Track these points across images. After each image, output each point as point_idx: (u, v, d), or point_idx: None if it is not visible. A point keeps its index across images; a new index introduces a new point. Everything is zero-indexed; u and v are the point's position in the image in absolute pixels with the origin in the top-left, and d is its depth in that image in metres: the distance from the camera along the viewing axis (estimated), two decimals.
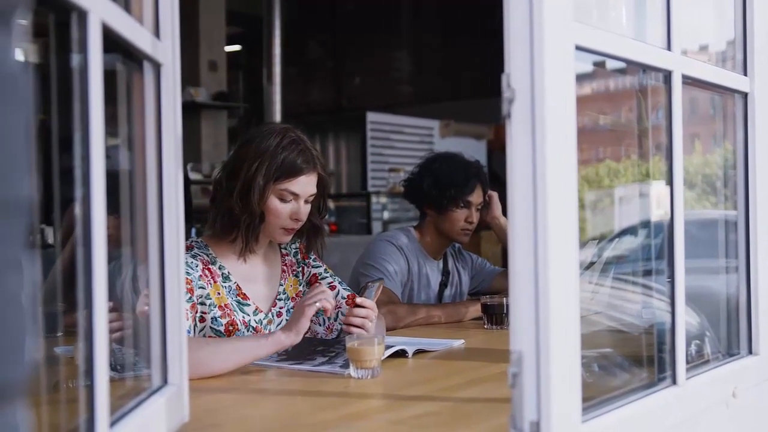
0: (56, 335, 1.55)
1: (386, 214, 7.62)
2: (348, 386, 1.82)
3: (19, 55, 0.55)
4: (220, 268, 2.24)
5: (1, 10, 0.52)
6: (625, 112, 2.05)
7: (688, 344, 1.62)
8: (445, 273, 3.16)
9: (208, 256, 2.23)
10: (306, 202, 2.25)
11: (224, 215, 2.22)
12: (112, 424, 1.10)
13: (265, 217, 2.22)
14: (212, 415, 1.59)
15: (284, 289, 2.37)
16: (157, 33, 1.36)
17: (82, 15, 1.00)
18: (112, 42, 1.12)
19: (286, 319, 2.31)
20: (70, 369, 1.42)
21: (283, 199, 2.21)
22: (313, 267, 2.45)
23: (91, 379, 1.02)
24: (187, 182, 4.44)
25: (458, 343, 2.36)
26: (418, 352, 2.19)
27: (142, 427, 1.21)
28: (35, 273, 0.58)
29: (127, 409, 1.21)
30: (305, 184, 2.23)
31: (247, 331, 2.22)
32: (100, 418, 1.02)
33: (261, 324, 2.27)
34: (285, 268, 2.40)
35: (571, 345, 1.22)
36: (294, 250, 2.44)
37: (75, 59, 1.02)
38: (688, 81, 1.59)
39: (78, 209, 1.03)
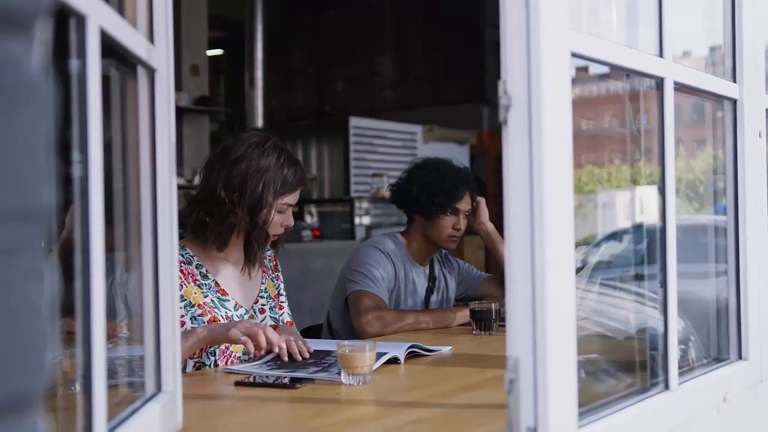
0: None
1: (370, 220, 7.61)
2: (339, 393, 1.81)
3: (39, 63, 0.55)
4: (197, 267, 2.28)
5: (22, 18, 0.52)
6: (607, 117, 2.06)
7: None
8: (432, 279, 3.16)
9: (183, 256, 2.25)
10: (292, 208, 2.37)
11: (229, 230, 2.27)
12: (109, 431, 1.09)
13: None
14: (205, 423, 1.58)
15: (265, 288, 2.45)
16: (151, 38, 1.35)
17: (81, 20, 0.99)
18: (108, 47, 1.11)
19: (270, 316, 2.42)
20: (59, 376, 1.41)
21: (280, 212, 2.31)
22: (280, 281, 2.53)
23: (89, 387, 1.01)
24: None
25: (447, 349, 2.36)
26: (411, 355, 2.20)
27: None
28: (53, 281, 0.57)
29: (122, 416, 1.20)
30: (297, 195, 2.36)
31: None
32: (97, 427, 1.01)
33: (243, 319, 2.32)
34: (265, 268, 2.48)
35: (567, 350, 1.22)
36: (268, 257, 2.52)
37: (73, 64, 1.01)
38: (679, 87, 1.60)
39: (76, 215, 1.02)
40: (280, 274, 2.53)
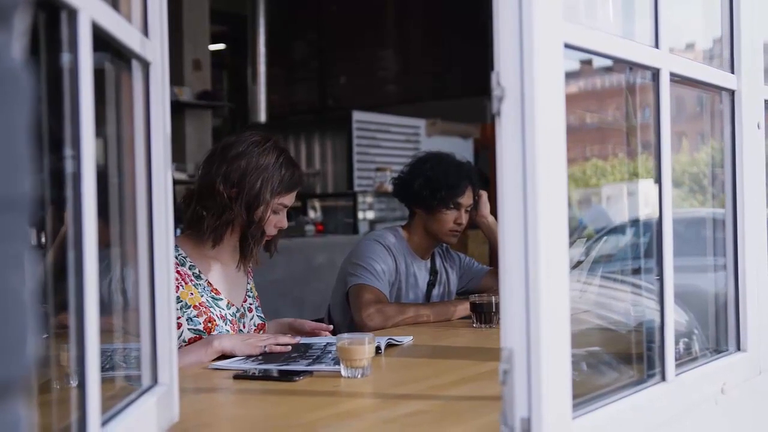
0: (43, 336, 1.55)
1: (373, 214, 7.61)
2: (338, 385, 1.82)
3: (19, 54, 0.55)
4: (190, 268, 2.31)
5: (1, 9, 0.52)
6: (611, 110, 2.05)
7: (676, 342, 1.62)
8: (433, 272, 3.17)
9: (176, 257, 2.26)
10: (288, 210, 2.39)
11: (225, 225, 2.29)
12: (103, 423, 1.09)
13: None
14: (202, 415, 1.58)
15: (251, 288, 2.49)
16: (145, 31, 1.35)
17: (72, 13, 0.99)
18: (101, 40, 1.11)
19: (258, 315, 2.46)
20: (56, 370, 1.41)
21: (275, 212, 2.33)
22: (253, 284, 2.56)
23: (83, 380, 1.01)
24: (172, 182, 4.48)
25: (407, 339, 2.39)
26: (389, 345, 2.25)
27: (132, 426, 1.21)
28: (36, 270, 0.58)
29: (117, 408, 1.21)
30: (294, 197, 2.38)
31: (225, 324, 2.29)
32: (91, 418, 1.02)
33: (235, 317, 2.36)
34: (249, 270, 2.50)
35: (561, 341, 1.22)
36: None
37: (64, 58, 1.01)
38: (676, 79, 1.60)
39: (68, 210, 1.02)
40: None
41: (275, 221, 2.34)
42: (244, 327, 2.38)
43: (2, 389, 0.52)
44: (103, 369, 1.15)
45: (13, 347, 0.53)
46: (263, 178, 2.27)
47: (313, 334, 2.42)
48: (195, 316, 2.23)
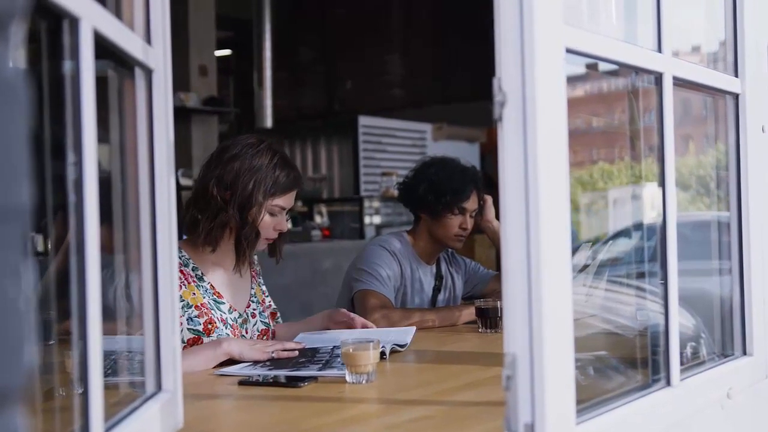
0: (49, 343, 1.55)
1: (379, 219, 7.60)
2: (343, 391, 1.81)
3: (16, 62, 0.55)
4: (193, 270, 2.31)
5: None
6: (618, 113, 2.05)
7: (683, 346, 1.62)
8: (439, 277, 3.16)
9: (180, 258, 2.27)
10: (287, 213, 2.38)
11: (220, 228, 2.29)
12: (107, 430, 1.10)
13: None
14: (206, 422, 1.58)
15: (254, 293, 2.48)
16: (148, 39, 1.36)
17: (74, 22, 1.00)
18: (103, 48, 1.12)
19: (261, 321, 2.45)
20: (61, 377, 1.42)
21: (272, 214, 2.33)
22: (263, 284, 2.56)
23: (86, 386, 1.02)
24: (178, 188, 4.49)
25: (411, 330, 2.44)
26: (393, 351, 2.24)
27: None
28: (32, 279, 0.58)
29: (121, 415, 1.21)
30: (292, 198, 2.37)
31: (225, 328, 2.30)
32: (94, 425, 1.02)
33: (236, 322, 2.36)
34: (254, 274, 2.51)
35: (564, 347, 1.22)
36: (255, 263, 2.56)
37: (66, 66, 1.02)
38: (679, 82, 1.59)
39: (71, 217, 1.02)
40: (261, 279, 2.57)
41: (273, 224, 2.33)
42: (246, 332, 2.38)
43: (0, 398, 0.52)
44: (106, 375, 1.16)
45: (9, 356, 0.53)
46: (256, 179, 2.27)
47: (350, 326, 2.47)
48: (196, 317, 2.24)
